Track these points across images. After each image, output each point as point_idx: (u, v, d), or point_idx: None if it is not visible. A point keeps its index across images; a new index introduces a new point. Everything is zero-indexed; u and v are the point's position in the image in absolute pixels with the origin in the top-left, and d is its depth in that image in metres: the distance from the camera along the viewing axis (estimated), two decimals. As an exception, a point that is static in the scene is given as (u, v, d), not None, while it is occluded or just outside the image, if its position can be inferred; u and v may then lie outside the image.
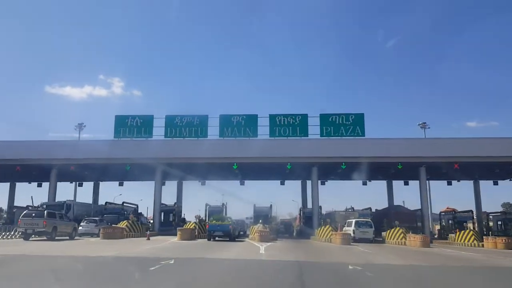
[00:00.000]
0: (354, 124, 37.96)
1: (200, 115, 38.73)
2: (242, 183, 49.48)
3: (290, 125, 38.13)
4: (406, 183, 49.87)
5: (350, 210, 39.68)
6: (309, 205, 44.26)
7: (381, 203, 53.58)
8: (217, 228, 26.91)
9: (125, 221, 30.73)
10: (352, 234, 28.99)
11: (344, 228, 31.49)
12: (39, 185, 44.99)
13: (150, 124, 38.33)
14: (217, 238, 27.76)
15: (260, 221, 30.99)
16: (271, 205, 41.72)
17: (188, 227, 31.13)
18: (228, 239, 27.27)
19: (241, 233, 34.99)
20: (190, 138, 37.45)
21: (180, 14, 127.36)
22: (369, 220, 31.98)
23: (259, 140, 37.30)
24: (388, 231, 30.31)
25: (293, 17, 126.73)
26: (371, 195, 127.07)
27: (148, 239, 26.36)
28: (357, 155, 36.31)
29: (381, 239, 32.09)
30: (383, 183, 51.97)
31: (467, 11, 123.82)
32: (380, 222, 35.24)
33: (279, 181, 50.11)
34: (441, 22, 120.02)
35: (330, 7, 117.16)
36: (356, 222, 31.29)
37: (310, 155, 36.60)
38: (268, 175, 46.72)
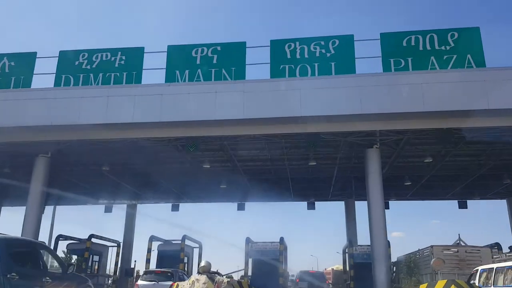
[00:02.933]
0: (458, 47, 16.92)
1: (128, 48, 18.94)
2: (240, 207, 28.87)
3: (316, 58, 17.52)
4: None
5: (458, 244, 17.38)
6: (361, 241, 22.62)
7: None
8: None
9: None
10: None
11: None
12: None
13: (29, 69, 18.80)
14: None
15: (203, 264, 9.30)
16: (281, 240, 20.21)
17: None
18: None
19: None
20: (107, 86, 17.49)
21: None
22: None
23: (244, 85, 16.62)
24: None
25: None
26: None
27: None
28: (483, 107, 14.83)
29: None
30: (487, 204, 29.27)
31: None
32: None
33: (305, 203, 28.93)
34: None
35: None
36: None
37: (364, 111, 15.35)
38: (280, 184, 25.62)
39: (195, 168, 22.90)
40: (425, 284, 8.72)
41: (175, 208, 29.37)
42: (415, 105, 15.15)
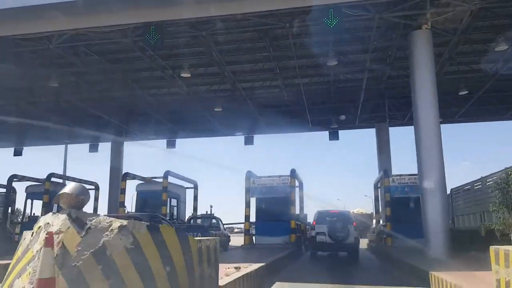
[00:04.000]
0: None
1: None
2: (248, 141, 24.14)
3: None
4: None
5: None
6: (396, 170, 17.29)
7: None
8: None
9: None
10: None
11: None
12: None
13: None
14: None
15: (65, 190, 4.25)
16: (293, 173, 15.16)
17: None
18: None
19: None
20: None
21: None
22: None
23: None
24: None
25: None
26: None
27: None
28: None
29: None
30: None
31: None
32: None
33: (326, 133, 23.76)
34: None
35: None
36: None
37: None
38: (294, 109, 20.59)
39: (178, 85, 17.88)
40: None
41: (170, 144, 24.70)
42: None
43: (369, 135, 23.98)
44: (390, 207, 14.38)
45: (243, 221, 16.31)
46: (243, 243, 15.42)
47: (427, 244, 10.91)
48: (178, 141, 24.98)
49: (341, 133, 23.51)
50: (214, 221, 16.73)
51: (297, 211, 17.88)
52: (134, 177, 16.85)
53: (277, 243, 14.74)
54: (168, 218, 16.49)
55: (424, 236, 11.32)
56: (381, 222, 18.11)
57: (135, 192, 17.19)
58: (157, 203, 15.60)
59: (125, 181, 16.27)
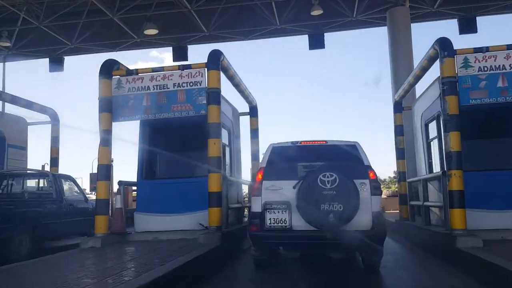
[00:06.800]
0: None
1: None
2: (178, 55, 15.13)
3: None
4: None
5: None
6: (420, 90, 8.03)
7: None
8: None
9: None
10: None
11: None
12: None
13: None
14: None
15: None
16: (216, 55, 5.91)
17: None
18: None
19: None
20: None
21: None
22: None
23: None
24: None
25: None
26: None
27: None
28: None
29: None
30: None
31: None
32: None
33: (305, 37, 14.62)
34: None
35: None
36: None
37: None
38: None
39: None
40: None
41: (55, 66, 15.45)
42: None
43: (372, 38, 14.74)
44: (458, 129, 5.31)
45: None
46: (104, 231, 6.32)
47: None
48: (69, 59, 15.73)
49: (328, 36, 14.42)
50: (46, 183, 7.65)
51: (238, 160, 8.70)
52: None
53: (180, 230, 5.94)
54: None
55: None
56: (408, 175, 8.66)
57: None
58: None
59: None
